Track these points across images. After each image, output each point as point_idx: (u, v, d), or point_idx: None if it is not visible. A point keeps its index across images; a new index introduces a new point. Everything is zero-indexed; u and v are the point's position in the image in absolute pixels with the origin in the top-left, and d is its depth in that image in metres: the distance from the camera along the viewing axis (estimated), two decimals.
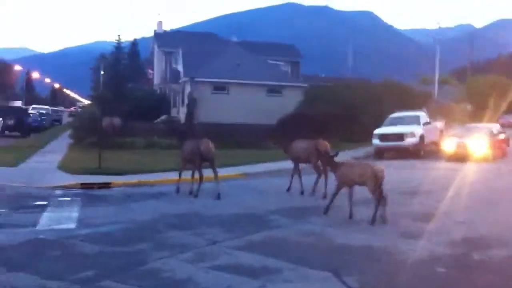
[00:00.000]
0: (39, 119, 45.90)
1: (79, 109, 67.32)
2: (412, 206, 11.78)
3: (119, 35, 64.08)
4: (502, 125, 28.80)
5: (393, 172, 17.58)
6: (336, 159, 11.24)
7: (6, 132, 34.40)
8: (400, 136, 23.82)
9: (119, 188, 15.15)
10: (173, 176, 14.78)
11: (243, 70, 38.62)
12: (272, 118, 30.26)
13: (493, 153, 22.14)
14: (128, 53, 69.39)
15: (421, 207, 11.70)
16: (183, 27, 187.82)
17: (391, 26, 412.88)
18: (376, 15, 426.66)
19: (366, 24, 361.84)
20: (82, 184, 15.14)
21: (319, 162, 13.02)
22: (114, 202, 13.08)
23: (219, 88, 38.07)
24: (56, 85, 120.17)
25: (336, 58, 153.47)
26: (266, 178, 17.30)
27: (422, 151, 24.12)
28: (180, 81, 42.01)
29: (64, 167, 18.56)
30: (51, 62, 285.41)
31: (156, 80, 56.74)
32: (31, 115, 42.95)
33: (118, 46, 59.45)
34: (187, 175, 13.92)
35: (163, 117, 39.23)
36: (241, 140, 28.31)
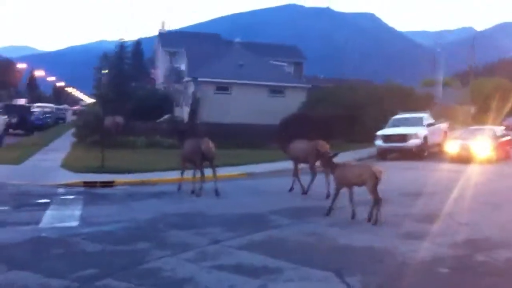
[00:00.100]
0: (42, 117, 45.97)
1: (83, 108, 67.46)
2: (416, 207, 11.73)
3: (122, 35, 64.23)
4: (506, 128, 28.71)
5: (396, 173, 17.64)
6: (337, 160, 11.25)
7: (10, 130, 34.43)
8: (403, 137, 23.75)
9: (122, 186, 15.16)
10: (175, 175, 14.78)
11: (246, 70, 38.64)
12: (274, 118, 30.23)
13: (497, 155, 22.07)
14: (131, 52, 69.43)
15: (424, 209, 11.65)
16: (186, 27, 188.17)
17: (392, 28, 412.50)
18: (377, 17, 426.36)
19: (368, 25, 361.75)
20: (84, 182, 15.17)
21: (318, 163, 13.06)
22: (117, 200, 13.10)
23: (222, 88, 38.09)
24: (60, 84, 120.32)
25: (337, 60, 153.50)
26: (268, 178, 17.28)
27: (426, 153, 24.06)
28: (183, 80, 42.04)
29: (67, 165, 18.59)
30: (54, 61, 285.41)
31: (159, 80, 56.80)
32: (34, 113, 43.01)
33: (121, 46, 59.45)
34: (189, 174, 13.94)
35: (166, 117, 39.22)
36: (243, 140, 28.31)
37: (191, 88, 38.76)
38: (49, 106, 58.73)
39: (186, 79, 40.91)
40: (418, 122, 24.86)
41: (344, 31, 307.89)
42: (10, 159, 19.42)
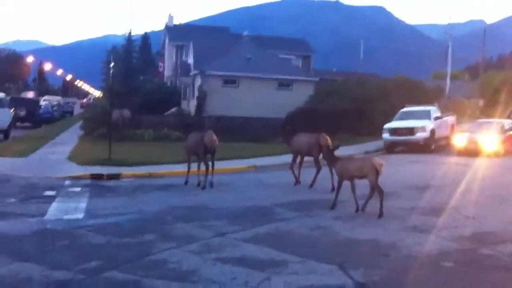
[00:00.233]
0: (50, 110, 46.18)
1: (91, 101, 67.62)
2: (422, 201, 11.68)
3: (129, 29, 64.31)
4: None
5: (403, 167, 17.59)
6: (337, 152, 11.24)
7: (18, 123, 34.62)
8: (410, 131, 23.63)
9: (128, 179, 15.20)
10: (181, 168, 14.81)
11: (253, 64, 38.54)
12: (282, 112, 30.15)
13: (505, 149, 21.90)
14: (139, 46, 69.58)
15: (430, 202, 11.60)
16: (194, 21, 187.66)
17: (402, 21, 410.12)
18: (387, 10, 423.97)
19: (377, 19, 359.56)
20: (91, 175, 15.23)
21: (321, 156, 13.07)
22: (123, 193, 13.14)
23: (230, 81, 38.03)
24: (68, 77, 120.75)
25: (347, 53, 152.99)
26: (274, 171, 17.24)
27: (433, 146, 23.95)
28: (191, 74, 42.00)
29: (74, 158, 18.67)
30: (63, 54, 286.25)
31: (167, 73, 56.84)
32: (42, 106, 43.21)
33: (129, 39, 59.58)
34: (195, 167, 13.95)
35: (173, 110, 39.28)
36: (251, 133, 28.29)
37: (198, 82, 38.75)
38: (56, 99, 58.90)
39: (193, 72, 40.89)
40: (425, 115, 24.71)
41: (353, 24, 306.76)
42: (18, 152, 19.54)
